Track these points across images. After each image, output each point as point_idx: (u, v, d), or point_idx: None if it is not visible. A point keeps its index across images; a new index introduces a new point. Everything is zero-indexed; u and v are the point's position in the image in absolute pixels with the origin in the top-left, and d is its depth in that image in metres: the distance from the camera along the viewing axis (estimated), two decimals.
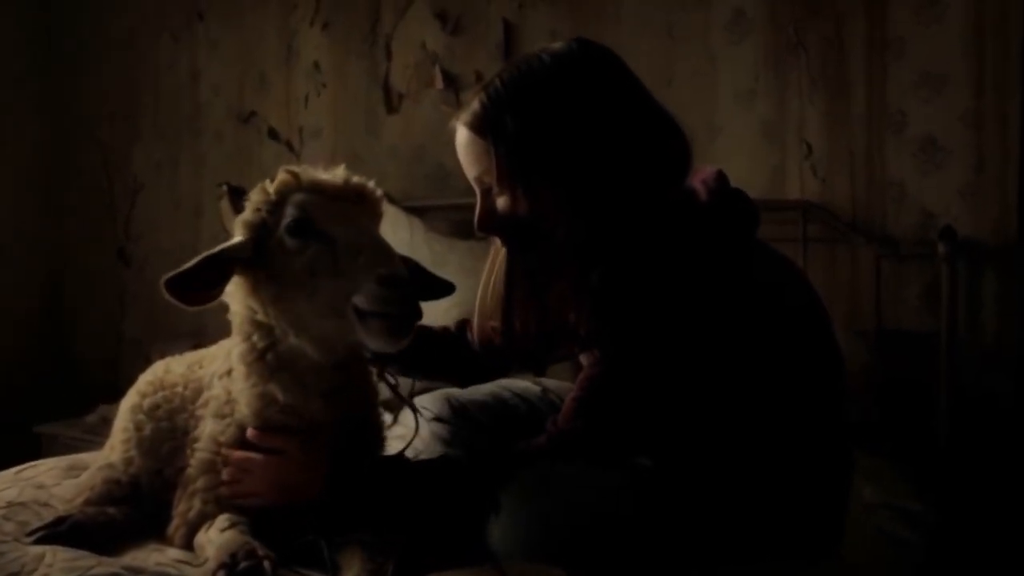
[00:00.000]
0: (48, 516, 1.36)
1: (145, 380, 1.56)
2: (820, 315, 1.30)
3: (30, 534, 1.29)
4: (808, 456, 1.23)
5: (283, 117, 3.40)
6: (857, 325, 2.43)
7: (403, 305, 1.18)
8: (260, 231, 1.29)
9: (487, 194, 1.32)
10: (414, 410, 1.42)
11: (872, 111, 2.51)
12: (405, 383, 1.49)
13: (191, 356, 1.58)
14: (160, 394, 1.49)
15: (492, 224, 1.33)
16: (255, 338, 1.29)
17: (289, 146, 3.38)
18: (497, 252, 1.38)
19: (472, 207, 2.94)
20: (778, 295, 1.26)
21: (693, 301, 1.18)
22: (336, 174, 1.31)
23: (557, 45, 1.31)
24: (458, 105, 3.05)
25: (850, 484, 1.31)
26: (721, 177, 1.30)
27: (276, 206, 1.28)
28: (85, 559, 1.18)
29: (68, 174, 3.86)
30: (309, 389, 1.28)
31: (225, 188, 2.96)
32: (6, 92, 3.67)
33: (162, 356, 1.77)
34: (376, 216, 1.33)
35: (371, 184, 1.34)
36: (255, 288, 1.29)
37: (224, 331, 1.60)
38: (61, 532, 1.28)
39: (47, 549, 1.20)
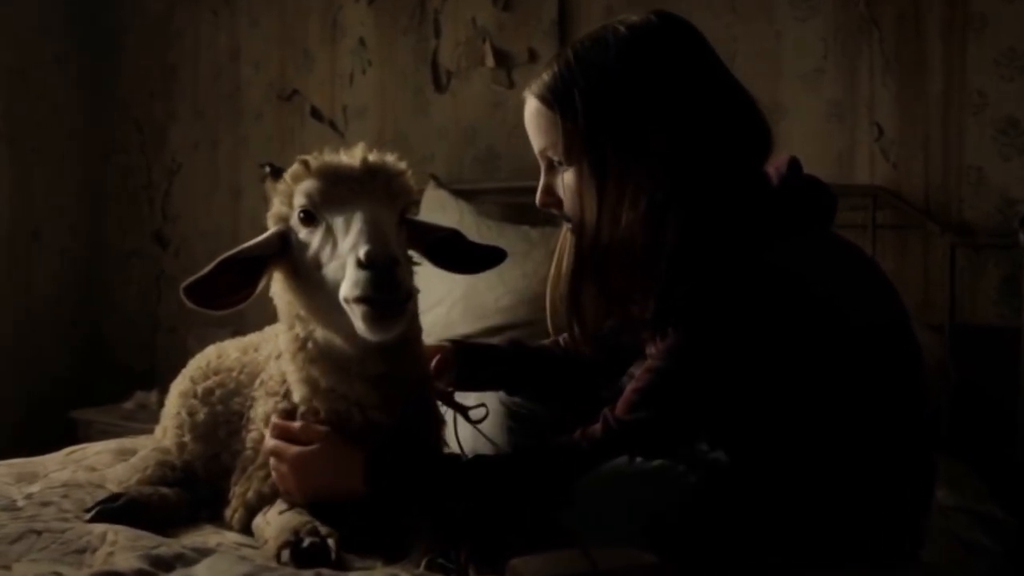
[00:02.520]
0: (104, 495, 1.43)
1: (196, 365, 1.61)
2: (898, 308, 1.30)
3: (87, 511, 1.36)
4: (890, 456, 1.23)
5: (327, 96, 3.46)
6: (929, 319, 2.42)
7: (382, 288, 1.16)
8: (286, 224, 1.33)
9: (551, 168, 1.35)
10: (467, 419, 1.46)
11: (949, 91, 2.50)
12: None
13: (246, 340, 1.64)
14: (214, 378, 1.54)
15: (552, 200, 1.36)
16: (297, 328, 1.33)
17: (332, 126, 3.44)
18: (565, 238, 1.40)
19: (523, 190, 2.99)
20: (852, 287, 1.26)
21: (763, 290, 1.18)
22: (354, 154, 1.32)
23: (635, 17, 1.32)
24: (510, 84, 3.09)
25: (933, 487, 1.31)
26: (793, 163, 1.31)
27: (290, 196, 1.31)
28: (147, 539, 1.24)
29: (104, 154, 3.96)
30: (351, 375, 1.31)
31: (268, 169, 3.02)
32: (43, 71, 3.77)
33: (200, 342, 1.83)
34: (395, 194, 1.32)
35: (391, 160, 1.34)
36: (287, 281, 1.33)
37: (264, 318, 1.65)
38: (116, 508, 1.35)
39: (109, 528, 1.26)
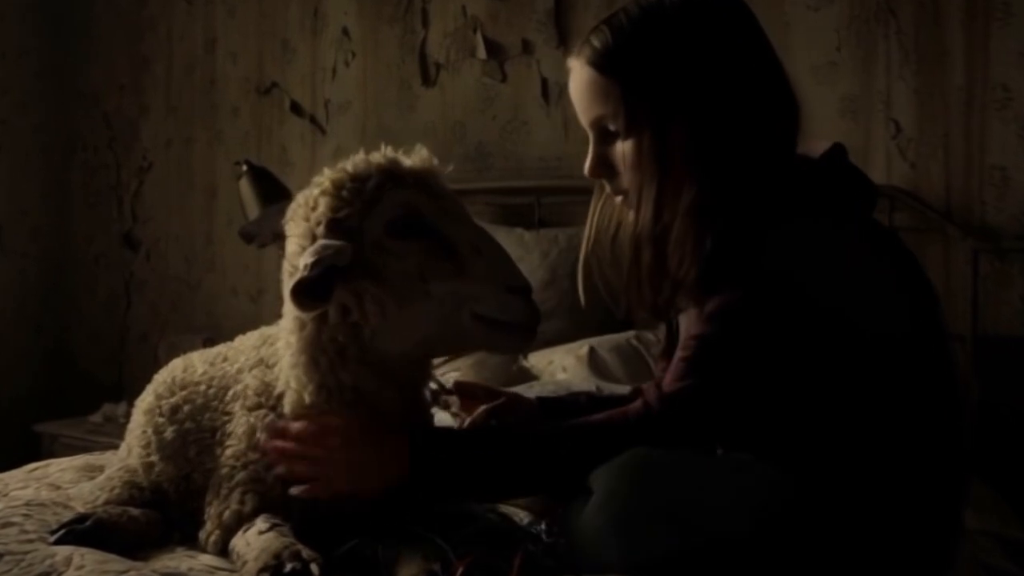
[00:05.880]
0: (69, 516, 1.43)
1: (162, 380, 1.60)
2: (937, 306, 1.35)
3: (52, 533, 1.35)
4: (917, 472, 1.26)
5: (307, 89, 3.47)
6: (950, 329, 2.43)
7: (531, 314, 1.29)
8: (352, 230, 1.31)
9: (603, 139, 1.39)
10: None
11: (971, 86, 2.51)
12: None
13: (213, 351, 1.63)
14: (181, 394, 1.53)
15: (606, 171, 1.40)
16: (339, 335, 1.33)
17: (314, 121, 3.45)
18: (605, 206, 1.47)
19: (515, 191, 3.00)
20: (897, 275, 1.30)
21: (812, 261, 1.25)
22: (424, 160, 1.35)
23: None
24: (502, 78, 3.10)
25: (962, 508, 1.33)
26: (842, 149, 1.38)
27: (370, 204, 1.31)
28: (115, 563, 1.22)
29: (71, 151, 3.96)
30: (386, 381, 1.35)
31: (244, 167, 3.02)
32: (5, 63, 3.76)
33: (170, 351, 1.82)
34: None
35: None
36: (350, 289, 1.31)
37: (239, 326, 1.65)
38: (83, 530, 1.33)
39: (74, 551, 1.25)
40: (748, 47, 1.35)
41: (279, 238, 1.51)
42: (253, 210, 2.88)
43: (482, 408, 1.53)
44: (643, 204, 1.34)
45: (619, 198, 1.42)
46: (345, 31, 3.40)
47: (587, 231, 1.49)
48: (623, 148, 1.35)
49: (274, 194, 2.86)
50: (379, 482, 1.31)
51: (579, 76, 1.38)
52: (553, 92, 3.04)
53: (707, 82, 1.30)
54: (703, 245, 1.28)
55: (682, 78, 1.31)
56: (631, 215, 1.40)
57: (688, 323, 1.40)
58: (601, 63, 1.34)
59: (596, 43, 1.35)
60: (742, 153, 1.30)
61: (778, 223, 1.27)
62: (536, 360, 2.52)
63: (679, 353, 1.30)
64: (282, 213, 1.45)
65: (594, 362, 2.42)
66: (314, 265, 1.25)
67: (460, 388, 1.57)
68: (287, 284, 1.31)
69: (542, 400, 1.61)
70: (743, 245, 1.26)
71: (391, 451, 1.31)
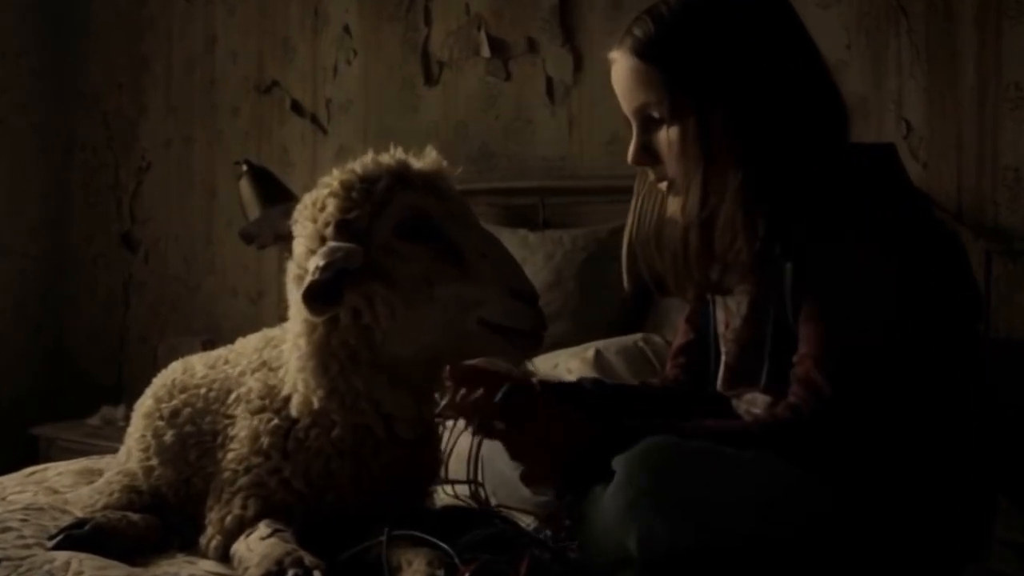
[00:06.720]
0: (67, 521, 1.43)
1: (161, 383, 1.60)
2: (971, 308, 1.41)
3: (51, 538, 1.36)
4: (946, 472, 1.33)
5: (308, 89, 3.46)
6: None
7: (537, 320, 1.31)
8: (360, 232, 1.32)
9: (647, 127, 1.43)
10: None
11: (984, 85, 2.50)
12: None
13: (213, 354, 1.63)
14: (180, 397, 1.53)
15: (650, 158, 1.44)
16: (351, 338, 1.34)
17: (315, 121, 3.45)
18: (650, 192, 1.51)
19: (519, 191, 3.00)
20: (917, 279, 1.33)
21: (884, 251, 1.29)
22: (434, 162, 1.37)
23: None
24: (506, 76, 3.10)
25: (992, 517, 1.40)
26: (891, 149, 1.45)
27: (380, 205, 1.32)
28: (114, 568, 1.23)
29: (70, 151, 3.95)
30: (399, 386, 1.35)
31: (244, 167, 3.03)
32: (6, 63, 3.76)
33: (169, 353, 1.82)
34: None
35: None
36: (360, 291, 1.32)
37: (238, 327, 1.64)
38: (82, 535, 1.34)
39: (72, 556, 1.25)
40: (787, 35, 1.40)
41: (280, 239, 1.52)
42: (253, 211, 2.88)
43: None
44: (690, 189, 1.38)
45: (662, 184, 1.45)
46: (346, 29, 3.39)
47: (631, 217, 1.53)
48: (668, 135, 1.39)
49: (275, 195, 2.86)
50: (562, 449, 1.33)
51: (622, 65, 1.42)
52: (558, 91, 3.03)
53: (749, 67, 1.35)
54: (753, 228, 1.33)
55: (724, 64, 1.35)
56: (673, 200, 1.44)
57: (727, 315, 1.46)
58: (644, 51, 1.38)
59: (638, 32, 1.39)
60: (786, 138, 1.35)
61: (807, 216, 1.31)
62: (542, 363, 2.51)
63: (805, 350, 1.31)
64: (283, 214, 1.46)
65: (600, 365, 2.41)
66: (325, 268, 1.25)
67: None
68: (295, 287, 1.31)
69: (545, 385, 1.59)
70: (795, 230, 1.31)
71: (572, 424, 1.34)
